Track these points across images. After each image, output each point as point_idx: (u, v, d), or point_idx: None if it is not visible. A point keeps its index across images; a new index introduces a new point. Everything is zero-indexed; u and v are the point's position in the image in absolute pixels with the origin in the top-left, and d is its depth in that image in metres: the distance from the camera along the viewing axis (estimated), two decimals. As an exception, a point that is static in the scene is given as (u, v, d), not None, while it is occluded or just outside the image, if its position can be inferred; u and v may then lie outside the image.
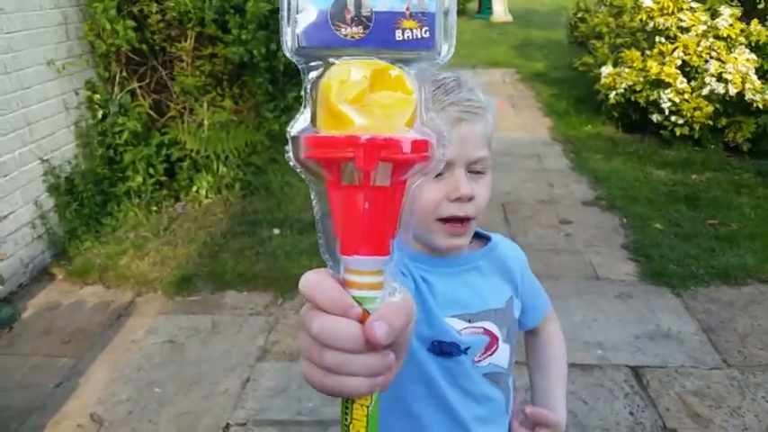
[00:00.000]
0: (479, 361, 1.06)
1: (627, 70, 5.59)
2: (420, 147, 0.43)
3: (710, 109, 5.25)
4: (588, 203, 4.16)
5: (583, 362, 2.55)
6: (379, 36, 0.43)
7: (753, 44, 5.38)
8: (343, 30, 0.43)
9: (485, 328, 1.06)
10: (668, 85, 5.32)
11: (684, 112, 5.30)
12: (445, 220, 0.99)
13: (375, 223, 0.45)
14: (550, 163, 5.09)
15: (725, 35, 5.44)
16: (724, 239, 3.67)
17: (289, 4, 0.44)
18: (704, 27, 5.55)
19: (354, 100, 0.43)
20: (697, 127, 5.34)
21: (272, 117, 4.67)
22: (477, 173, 1.00)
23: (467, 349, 1.04)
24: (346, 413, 0.46)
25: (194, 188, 4.31)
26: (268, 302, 3.10)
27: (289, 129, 0.45)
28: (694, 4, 5.73)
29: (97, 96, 3.89)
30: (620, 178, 4.56)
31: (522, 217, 3.94)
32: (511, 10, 16.05)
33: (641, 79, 5.49)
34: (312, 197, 0.46)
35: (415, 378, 1.04)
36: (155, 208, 3.98)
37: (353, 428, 0.47)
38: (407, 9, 0.44)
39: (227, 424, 2.26)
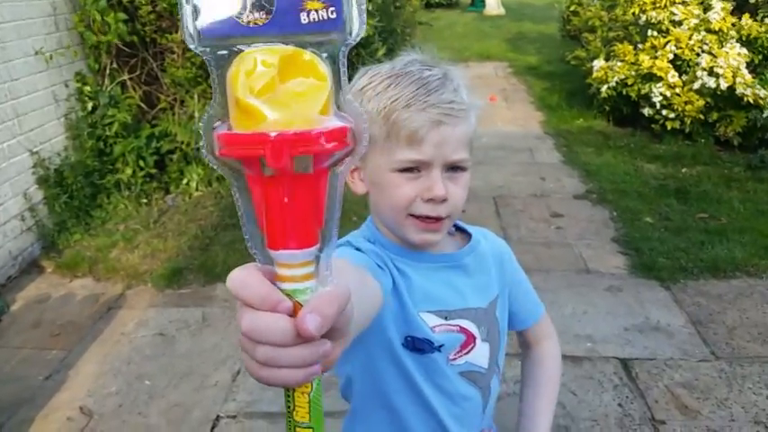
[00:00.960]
0: (454, 359, 1.06)
1: (619, 64, 5.61)
2: (336, 135, 0.42)
3: (701, 103, 5.27)
4: (579, 197, 4.18)
5: (572, 354, 2.57)
6: (283, 20, 0.41)
7: (744, 38, 5.40)
8: (244, 17, 0.41)
9: (461, 327, 1.05)
10: (660, 78, 5.34)
11: (675, 106, 5.32)
12: (418, 217, 0.99)
13: (299, 214, 0.44)
14: (542, 157, 5.11)
15: (717, 29, 5.46)
16: (713, 233, 3.69)
17: None
18: (696, 21, 5.57)
19: (263, 91, 0.41)
20: (688, 121, 5.36)
21: None
22: (456, 170, 0.99)
23: (440, 347, 1.03)
24: (288, 401, 0.46)
25: (185, 181, 4.28)
26: None
27: (201, 123, 0.42)
28: None
29: (87, 88, 3.86)
30: (610, 172, 4.58)
31: (513, 210, 3.96)
32: (504, 3, 16.03)
33: (633, 73, 5.50)
34: (233, 192, 0.45)
35: (393, 372, 1.04)
36: (145, 200, 3.97)
37: (297, 415, 0.47)
38: None
39: (218, 416, 2.26)
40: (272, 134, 0.39)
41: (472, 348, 1.06)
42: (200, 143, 0.42)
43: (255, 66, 0.41)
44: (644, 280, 3.20)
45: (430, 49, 1.07)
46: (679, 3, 5.71)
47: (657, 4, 5.75)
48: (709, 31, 5.47)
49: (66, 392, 2.38)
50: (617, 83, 5.60)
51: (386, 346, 1.02)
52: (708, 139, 5.40)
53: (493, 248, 1.13)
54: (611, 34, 6.07)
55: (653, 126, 5.38)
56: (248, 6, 0.41)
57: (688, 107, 5.26)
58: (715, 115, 5.33)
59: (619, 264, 3.34)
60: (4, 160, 3.18)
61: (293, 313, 0.44)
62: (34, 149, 3.41)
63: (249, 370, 0.47)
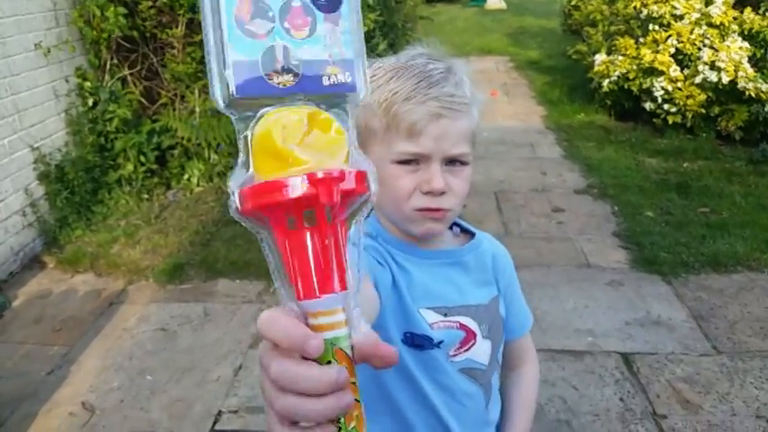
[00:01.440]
0: (455, 355, 1.05)
1: (620, 58, 5.60)
2: (361, 178, 0.47)
3: (703, 97, 5.25)
4: (580, 192, 4.18)
5: (573, 348, 2.58)
6: (309, 82, 0.47)
7: (746, 32, 5.38)
8: (275, 78, 0.46)
9: (461, 323, 1.05)
10: (661, 73, 5.33)
11: (677, 101, 5.31)
12: (419, 210, 0.99)
13: (332, 260, 0.46)
14: (543, 151, 5.11)
15: (718, 23, 5.44)
16: (715, 227, 3.68)
17: (217, 57, 0.46)
18: (697, 15, 5.55)
19: (299, 141, 0.46)
20: (690, 115, 5.34)
21: None
22: (456, 164, 1.00)
23: (439, 343, 1.03)
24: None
25: (186, 176, 4.28)
26: (260, 290, 3.11)
27: (229, 183, 0.46)
28: None
29: (87, 84, 3.86)
30: (612, 167, 4.58)
31: (514, 205, 3.96)
32: None
33: (634, 67, 5.49)
34: (263, 248, 0.48)
35: (394, 368, 0.96)
36: (146, 196, 3.99)
37: None
38: (330, 57, 0.49)
39: (220, 411, 2.27)
40: (320, 172, 0.44)
41: (473, 345, 1.06)
42: (230, 201, 0.45)
43: (288, 120, 0.46)
44: (645, 274, 3.20)
45: (435, 43, 1.08)
46: None
47: None
48: (710, 25, 5.46)
49: (69, 388, 2.39)
50: (618, 77, 5.59)
51: (385, 342, 0.98)
52: (709, 134, 5.39)
53: (494, 251, 1.14)
54: (613, 28, 6.07)
55: (654, 120, 5.36)
56: (278, 69, 0.46)
57: (690, 101, 5.25)
58: (717, 109, 5.32)
59: (620, 258, 3.34)
60: (5, 156, 3.19)
61: (337, 359, 0.45)
62: (35, 145, 3.42)
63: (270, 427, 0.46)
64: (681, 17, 5.58)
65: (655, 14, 5.64)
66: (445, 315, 1.04)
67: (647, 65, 5.42)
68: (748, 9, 5.54)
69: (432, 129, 0.96)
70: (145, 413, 2.27)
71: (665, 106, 5.36)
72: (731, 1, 5.59)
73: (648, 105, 5.45)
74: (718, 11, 5.47)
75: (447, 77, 0.98)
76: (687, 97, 5.26)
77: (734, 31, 5.39)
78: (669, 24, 5.59)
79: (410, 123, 0.95)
